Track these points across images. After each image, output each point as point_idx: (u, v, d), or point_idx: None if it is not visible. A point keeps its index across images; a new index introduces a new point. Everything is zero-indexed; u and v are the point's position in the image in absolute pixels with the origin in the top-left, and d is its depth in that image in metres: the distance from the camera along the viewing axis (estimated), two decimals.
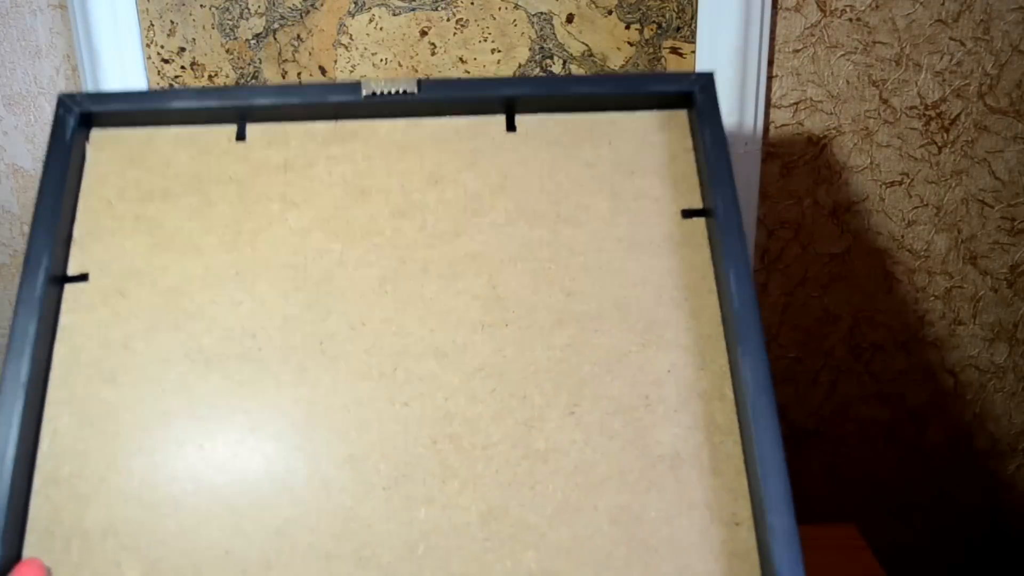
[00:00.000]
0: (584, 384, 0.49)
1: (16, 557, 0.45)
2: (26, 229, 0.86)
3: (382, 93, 0.53)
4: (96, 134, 0.54)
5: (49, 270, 0.49)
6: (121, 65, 0.76)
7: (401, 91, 0.53)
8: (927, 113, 0.77)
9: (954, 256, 0.80)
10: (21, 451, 0.45)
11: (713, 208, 0.51)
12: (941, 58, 0.74)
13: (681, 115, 0.55)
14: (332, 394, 0.48)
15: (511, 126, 0.55)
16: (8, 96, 0.81)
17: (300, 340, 0.49)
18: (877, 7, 0.73)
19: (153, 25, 0.76)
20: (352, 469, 0.47)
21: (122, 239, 0.51)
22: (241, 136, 0.54)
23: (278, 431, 0.47)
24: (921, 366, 0.83)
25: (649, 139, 0.55)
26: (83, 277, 0.50)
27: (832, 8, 0.74)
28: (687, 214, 0.53)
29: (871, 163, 0.78)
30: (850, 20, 0.74)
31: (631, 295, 0.51)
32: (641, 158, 0.54)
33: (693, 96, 0.54)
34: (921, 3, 0.72)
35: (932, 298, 0.81)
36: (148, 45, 0.77)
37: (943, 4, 0.73)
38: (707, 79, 0.54)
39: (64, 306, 0.50)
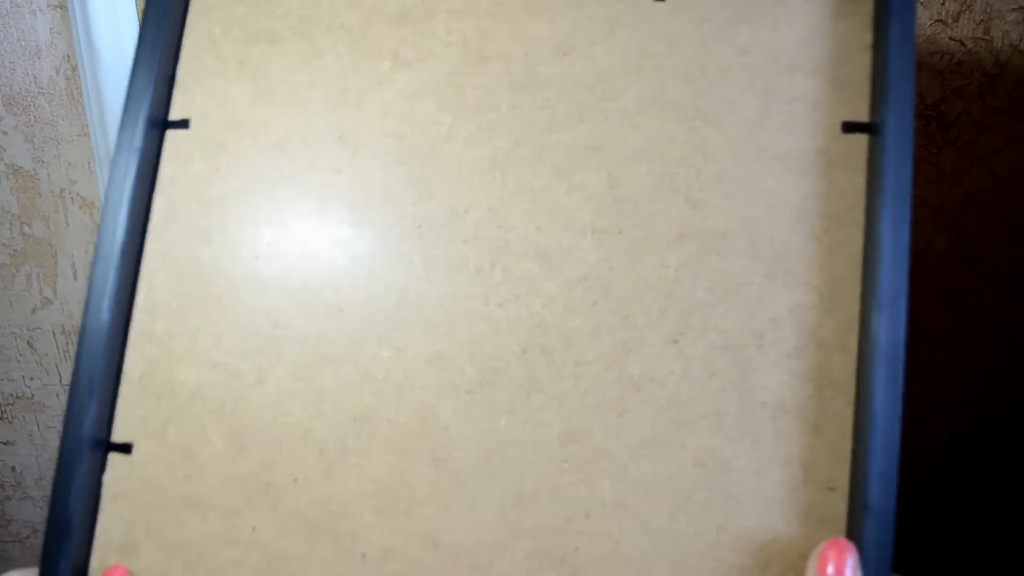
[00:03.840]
0: (694, 311, 0.45)
1: (111, 408, 0.46)
2: (26, 230, 0.85)
3: None
4: None
5: (150, 112, 0.47)
6: (121, 65, 0.73)
7: None
8: (927, 113, 0.74)
9: (954, 256, 0.77)
10: (118, 302, 0.46)
11: (882, 124, 0.44)
12: (941, 58, 0.72)
13: (866, 1, 0.46)
14: (425, 283, 0.46)
15: None
16: (8, 96, 0.79)
17: (398, 219, 0.46)
18: None
19: None
20: (437, 367, 0.45)
21: (225, 84, 0.48)
22: None
23: (367, 315, 0.46)
24: (921, 366, 0.80)
25: (821, 27, 0.46)
26: (184, 123, 0.48)
27: None
28: (849, 128, 0.45)
29: None
30: None
31: (764, 217, 0.45)
32: (807, 50, 0.46)
33: None
34: (921, 3, 0.70)
35: (932, 298, 0.78)
36: None
37: (943, 4, 0.70)
38: None
39: (164, 154, 0.48)
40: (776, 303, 0.44)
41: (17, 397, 0.99)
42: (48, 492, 1.00)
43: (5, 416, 1.01)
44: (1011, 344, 0.78)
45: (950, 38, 0.71)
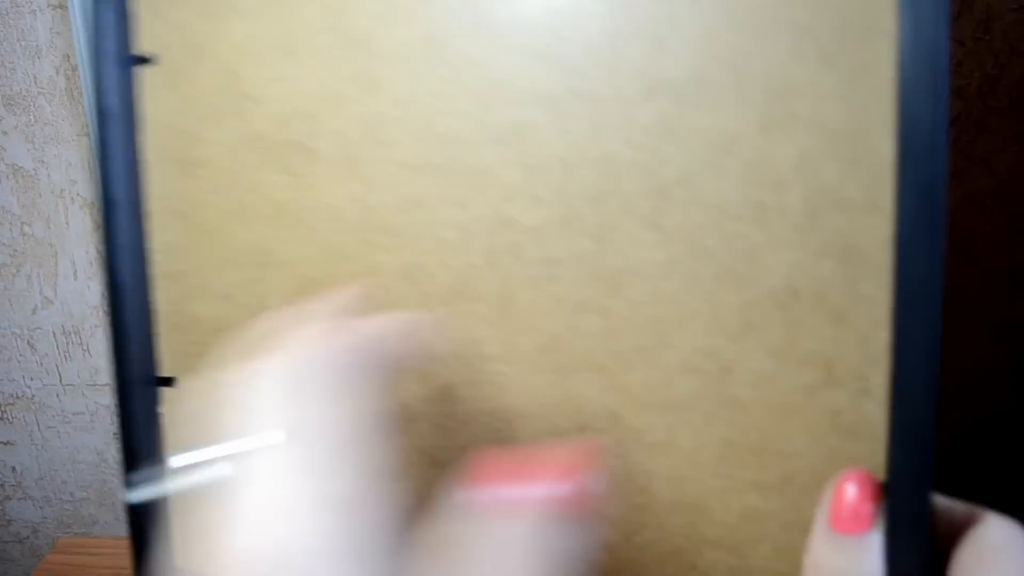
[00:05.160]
0: (674, 184, 0.35)
1: (148, 341, 0.49)
2: (26, 230, 0.85)
3: None
4: None
5: (117, 52, 0.46)
6: None
7: None
8: None
9: (954, 256, 0.76)
10: (140, 245, 0.47)
11: None
12: None
13: None
14: (385, 191, 0.41)
15: None
16: (8, 96, 0.78)
17: (349, 123, 0.42)
18: None
19: None
20: (411, 280, 0.41)
21: (185, 13, 0.45)
22: None
23: (337, 232, 0.43)
24: None
25: None
26: (149, 59, 0.46)
27: None
28: None
29: None
30: None
31: (755, 47, 0.34)
32: None
33: None
34: None
35: None
36: None
37: None
38: None
39: (139, 92, 0.47)
40: (779, 155, 0.34)
41: (17, 397, 1.01)
42: (49, 492, 1.06)
43: (5, 416, 1.02)
44: (1011, 344, 0.77)
45: (950, 38, 0.60)
